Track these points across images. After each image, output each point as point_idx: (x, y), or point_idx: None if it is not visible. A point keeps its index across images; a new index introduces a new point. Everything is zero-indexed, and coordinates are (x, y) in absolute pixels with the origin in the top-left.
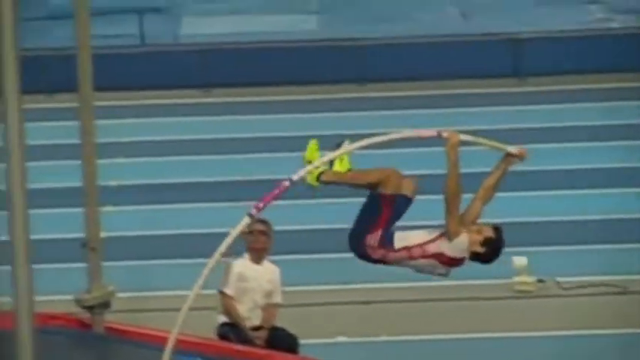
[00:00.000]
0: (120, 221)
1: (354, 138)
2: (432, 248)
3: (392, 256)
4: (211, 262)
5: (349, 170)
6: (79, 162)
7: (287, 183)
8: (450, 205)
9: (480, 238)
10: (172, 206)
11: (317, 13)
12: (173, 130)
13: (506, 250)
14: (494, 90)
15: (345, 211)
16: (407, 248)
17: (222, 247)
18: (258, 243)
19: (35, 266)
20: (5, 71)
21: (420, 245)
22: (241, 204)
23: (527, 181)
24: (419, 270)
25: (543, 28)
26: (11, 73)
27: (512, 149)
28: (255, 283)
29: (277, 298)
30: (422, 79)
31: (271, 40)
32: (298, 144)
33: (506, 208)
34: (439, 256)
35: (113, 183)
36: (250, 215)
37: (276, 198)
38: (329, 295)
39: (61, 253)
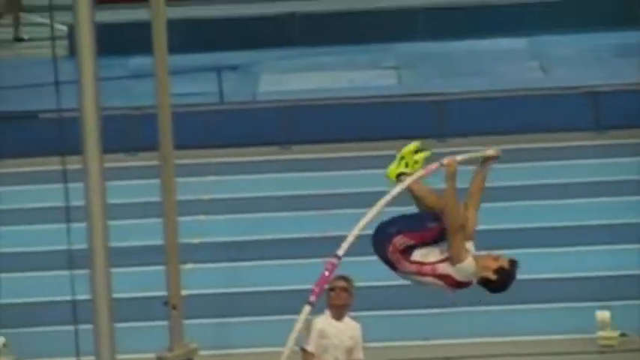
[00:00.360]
0: (201, 279)
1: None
2: (441, 269)
3: (404, 265)
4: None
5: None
6: (160, 220)
7: (335, 260)
8: (451, 230)
9: (494, 265)
10: (253, 263)
11: (396, 69)
12: (253, 187)
13: (589, 304)
14: (574, 143)
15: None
16: (420, 263)
17: (291, 341)
18: (339, 299)
19: (117, 324)
20: (87, 130)
21: (432, 264)
22: (322, 260)
23: (610, 235)
24: (425, 286)
25: (623, 81)
26: (92, 132)
27: (490, 152)
28: (337, 339)
29: (359, 355)
30: (501, 134)
31: (351, 96)
32: (379, 199)
33: (589, 263)
34: (446, 278)
35: (194, 240)
36: (310, 303)
37: (329, 278)
38: (410, 351)
39: (142, 311)
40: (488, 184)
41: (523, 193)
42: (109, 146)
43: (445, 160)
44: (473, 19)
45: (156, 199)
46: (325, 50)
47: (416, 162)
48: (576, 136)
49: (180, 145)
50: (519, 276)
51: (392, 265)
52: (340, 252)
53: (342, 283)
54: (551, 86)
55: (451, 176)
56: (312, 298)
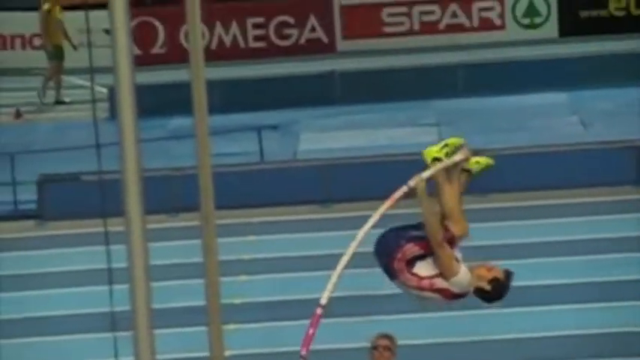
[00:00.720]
0: (244, 339)
1: (478, 249)
2: (439, 283)
3: (405, 275)
4: None
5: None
6: (202, 280)
7: (319, 310)
8: (434, 246)
9: (488, 275)
10: (296, 323)
11: (436, 126)
12: (294, 246)
13: None
14: (615, 198)
15: (468, 323)
16: (419, 276)
17: None
18: (382, 358)
19: None
20: (128, 192)
21: (430, 278)
22: (368, 319)
23: None
24: (420, 299)
25: None
26: (134, 194)
27: (459, 157)
28: None
29: None
30: (542, 189)
31: (391, 154)
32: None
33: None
34: (443, 291)
35: (236, 301)
36: (303, 357)
37: (315, 329)
38: None
39: None
40: (536, 240)
41: (566, 249)
42: (150, 207)
43: (412, 182)
44: (512, 74)
45: (197, 259)
46: (365, 108)
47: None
48: (617, 190)
49: (221, 205)
50: (575, 331)
51: (392, 274)
52: (323, 301)
53: (385, 342)
54: (591, 141)
55: (422, 195)
56: (303, 352)
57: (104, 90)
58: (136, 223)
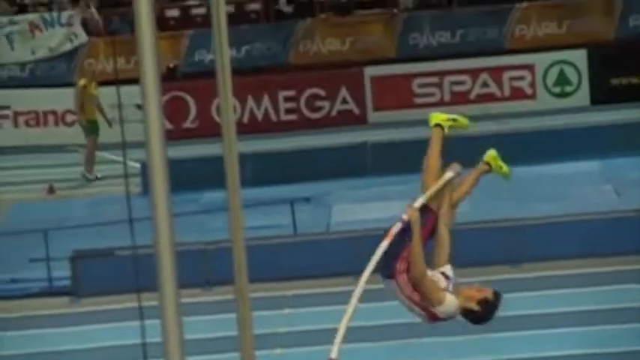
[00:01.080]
0: None
1: (512, 319)
2: (427, 303)
3: (403, 278)
4: None
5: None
6: (237, 354)
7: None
8: (417, 280)
9: (478, 296)
10: None
11: (468, 195)
12: (328, 318)
13: None
14: None
15: None
16: (414, 288)
17: None
18: None
19: None
20: (162, 267)
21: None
22: None
23: None
24: (408, 309)
25: None
26: (168, 269)
27: (449, 175)
28: None
29: None
30: (577, 258)
31: None
32: (451, 328)
33: None
34: (430, 313)
35: None
36: None
37: None
38: None
39: None
40: (571, 308)
41: (603, 318)
42: (184, 281)
43: (406, 217)
44: (544, 143)
45: (232, 333)
46: (397, 179)
47: (454, 120)
48: None
49: (255, 279)
50: None
51: (392, 273)
52: (333, 355)
53: None
54: (625, 209)
55: (416, 224)
56: None
57: (137, 165)
58: (169, 297)
